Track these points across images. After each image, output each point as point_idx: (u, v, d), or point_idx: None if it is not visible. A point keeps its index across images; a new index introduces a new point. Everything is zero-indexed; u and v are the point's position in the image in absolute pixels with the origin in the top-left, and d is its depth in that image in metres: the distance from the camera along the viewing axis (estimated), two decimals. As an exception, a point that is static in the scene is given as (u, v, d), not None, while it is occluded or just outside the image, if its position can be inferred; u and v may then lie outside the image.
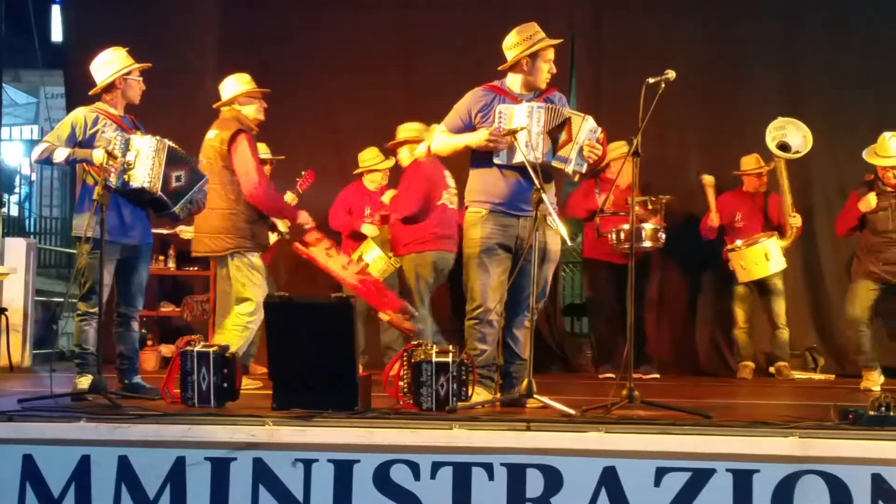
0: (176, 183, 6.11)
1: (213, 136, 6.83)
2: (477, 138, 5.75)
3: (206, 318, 9.36)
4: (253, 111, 6.89)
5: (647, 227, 8.26)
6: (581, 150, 5.72)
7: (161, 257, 9.47)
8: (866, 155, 7.88)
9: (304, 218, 7.10)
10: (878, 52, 9.10)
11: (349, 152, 9.02)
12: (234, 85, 6.92)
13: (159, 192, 6.01)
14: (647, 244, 8.27)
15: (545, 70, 5.88)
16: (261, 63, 9.54)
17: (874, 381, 7.76)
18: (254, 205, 6.74)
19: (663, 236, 8.30)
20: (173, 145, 6.14)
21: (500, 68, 5.94)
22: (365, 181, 8.75)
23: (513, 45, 5.87)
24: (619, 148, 8.30)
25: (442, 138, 5.94)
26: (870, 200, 7.87)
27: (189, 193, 6.17)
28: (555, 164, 5.73)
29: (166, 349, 9.13)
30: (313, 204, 8.74)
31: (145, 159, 5.96)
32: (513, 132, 5.61)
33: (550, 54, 5.89)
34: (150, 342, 9.38)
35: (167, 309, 9.66)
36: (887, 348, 8.60)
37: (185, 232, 9.00)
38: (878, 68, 9.00)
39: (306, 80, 9.64)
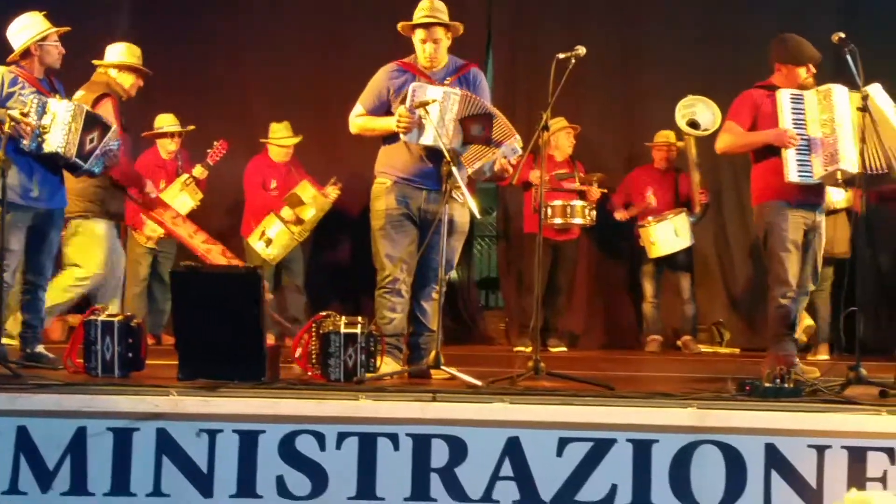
0: (90, 145, 6.01)
1: (80, 97, 6.58)
2: (389, 124, 5.79)
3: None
4: (128, 84, 6.78)
5: (577, 204, 8.41)
6: (494, 163, 5.80)
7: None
8: None
9: (150, 188, 7.12)
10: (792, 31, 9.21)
11: (261, 127, 8.95)
12: (121, 53, 6.82)
13: (74, 158, 5.91)
14: (578, 220, 8.44)
15: (420, 49, 5.89)
16: (171, 32, 9.46)
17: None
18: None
19: (594, 213, 8.45)
20: (91, 110, 6.04)
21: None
22: (271, 153, 8.74)
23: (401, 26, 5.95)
24: (556, 122, 8.43)
25: (361, 121, 5.98)
26: None
27: (98, 148, 6.06)
28: (464, 160, 5.76)
29: (73, 319, 8.98)
30: (225, 176, 8.76)
31: (61, 124, 5.85)
32: (423, 104, 5.61)
33: (421, 34, 5.86)
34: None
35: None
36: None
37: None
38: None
39: (218, 52, 9.53)
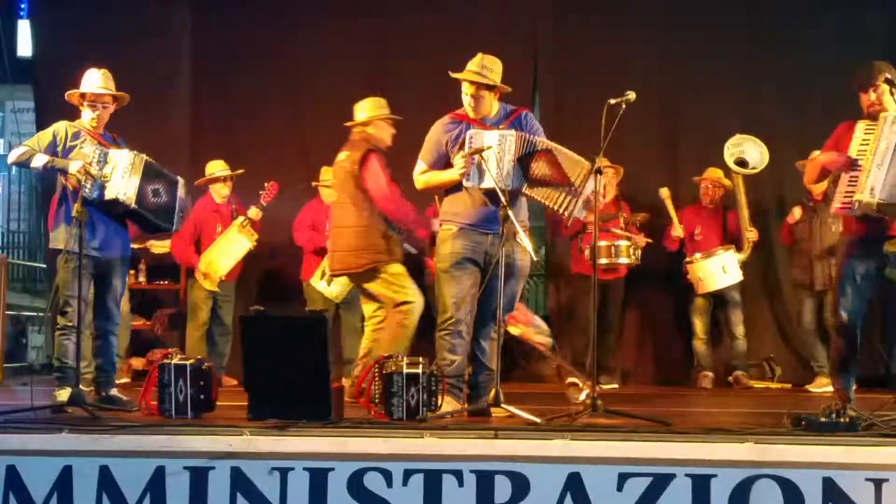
0: (153, 198, 6.25)
1: (344, 158, 7.01)
2: (452, 175, 5.97)
3: (175, 331, 9.51)
4: (388, 135, 7.07)
5: (622, 244, 8.54)
6: (588, 200, 5.87)
7: (132, 271, 9.56)
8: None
9: (437, 227, 7.32)
10: (836, 69, 9.20)
11: (318, 167, 9.16)
12: (374, 108, 7.10)
13: (134, 205, 6.14)
14: (624, 260, 8.58)
15: (465, 102, 6.09)
16: (222, 76, 9.74)
17: (819, 384, 8.41)
18: (383, 213, 6.86)
19: (638, 252, 8.59)
20: (151, 160, 6.27)
21: None
22: (322, 196, 8.92)
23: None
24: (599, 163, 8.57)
25: (425, 178, 6.19)
26: (794, 212, 8.69)
27: (175, 207, 6.31)
28: (558, 210, 5.91)
29: (136, 362, 9.24)
30: (279, 218, 8.98)
31: (123, 172, 6.10)
32: (479, 151, 5.80)
33: (465, 87, 6.07)
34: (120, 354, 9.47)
35: (137, 322, 9.73)
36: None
37: (155, 246, 9.16)
38: (835, 87, 9.07)
39: (275, 94, 9.78)
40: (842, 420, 4.93)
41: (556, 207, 5.91)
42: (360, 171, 6.84)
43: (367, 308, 7.10)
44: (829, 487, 4.66)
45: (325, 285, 8.42)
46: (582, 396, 6.72)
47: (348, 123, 7.17)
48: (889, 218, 5.76)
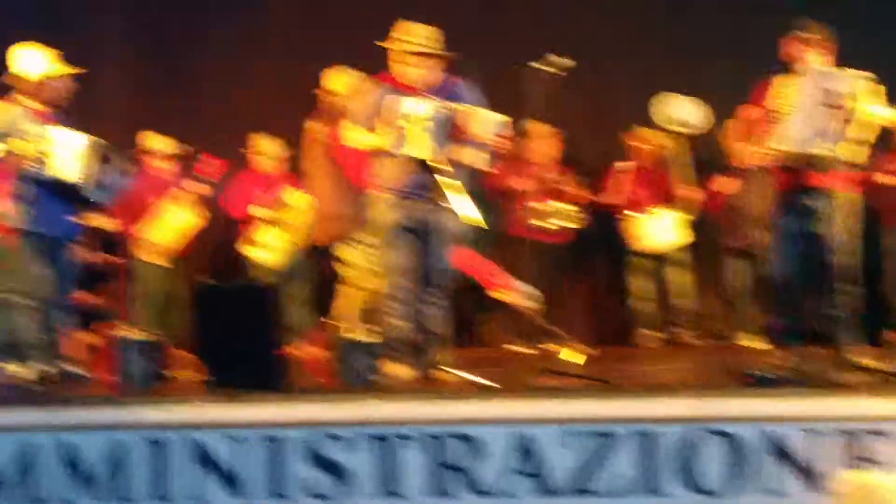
0: (99, 176, 6.22)
1: (317, 129, 7.11)
2: (382, 141, 6.02)
3: (121, 305, 9.46)
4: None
5: (564, 207, 8.65)
6: (484, 144, 5.98)
7: (77, 246, 9.47)
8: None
9: None
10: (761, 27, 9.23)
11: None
12: (336, 77, 7.20)
13: (84, 184, 6.12)
14: (565, 223, 8.67)
15: (406, 71, 6.12)
16: (165, 52, 9.67)
17: (744, 340, 8.74)
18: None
19: (581, 215, 8.69)
20: (104, 143, 6.24)
21: None
22: (254, 164, 8.88)
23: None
24: (537, 127, 8.65)
25: (355, 139, 6.22)
26: (724, 182, 8.79)
27: (111, 182, 6.28)
28: (463, 158, 6.00)
29: (85, 336, 9.18)
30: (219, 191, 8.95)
31: (68, 153, 6.06)
32: (410, 119, 5.88)
33: (410, 58, 6.10)
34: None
35: (85, 297, 9.68)
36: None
37: (97, 220, 9.09)
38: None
39: (206, 68, 9.70)
40: (781, 374, 5.12)
41: (473, 165, 6.04)
42: (334, 143, 6.87)
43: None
44: (769, 439, 4.86)
45: (261, 254, 8.43)
46: (574, 358, 6.87)
47: (319, 91, 7.26)
48: (804, 169, 6.04)
